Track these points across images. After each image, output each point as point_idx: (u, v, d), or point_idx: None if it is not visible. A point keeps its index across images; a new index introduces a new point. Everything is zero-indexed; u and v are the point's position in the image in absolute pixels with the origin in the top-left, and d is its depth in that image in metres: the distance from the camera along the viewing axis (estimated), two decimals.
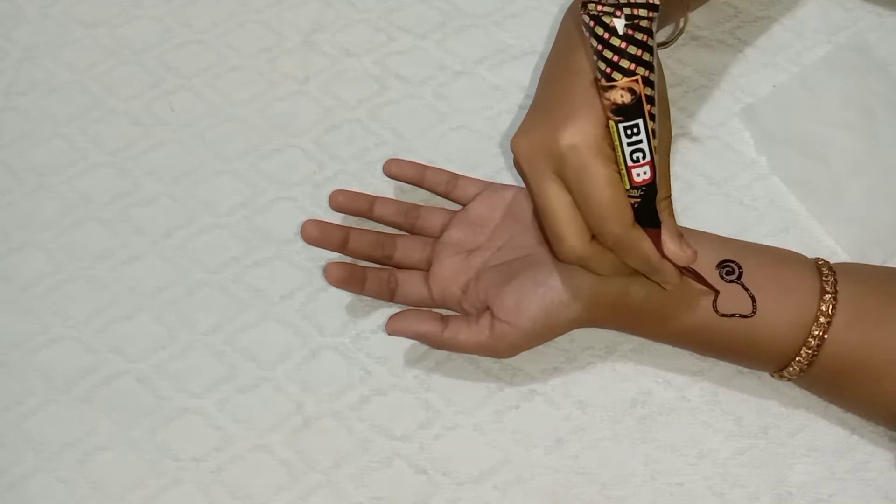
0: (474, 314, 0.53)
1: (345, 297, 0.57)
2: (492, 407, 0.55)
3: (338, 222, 0.58)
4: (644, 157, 0.44)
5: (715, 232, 0.57)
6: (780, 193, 0.59)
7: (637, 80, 0.42)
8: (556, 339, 0.54)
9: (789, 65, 0.63)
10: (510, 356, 0.53)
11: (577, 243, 0.46)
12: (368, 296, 0.55)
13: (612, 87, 0.42)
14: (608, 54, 0.41)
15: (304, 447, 0.54)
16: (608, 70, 0.42)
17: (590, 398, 0.54)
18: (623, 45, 0.41)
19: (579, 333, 0.54)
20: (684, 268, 0.48)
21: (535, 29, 0.66)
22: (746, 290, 0.50)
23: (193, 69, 0.65)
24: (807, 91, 0.61)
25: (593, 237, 0.46)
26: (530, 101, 0.63)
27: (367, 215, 0.57)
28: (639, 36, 0.41)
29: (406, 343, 0.55)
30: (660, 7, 0.41)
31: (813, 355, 0.49)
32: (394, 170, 0.57)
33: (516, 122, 0.62)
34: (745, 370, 0.54)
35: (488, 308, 0.52)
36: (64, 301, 0.58)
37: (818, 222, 0.58)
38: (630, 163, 0.44)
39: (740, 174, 0.60)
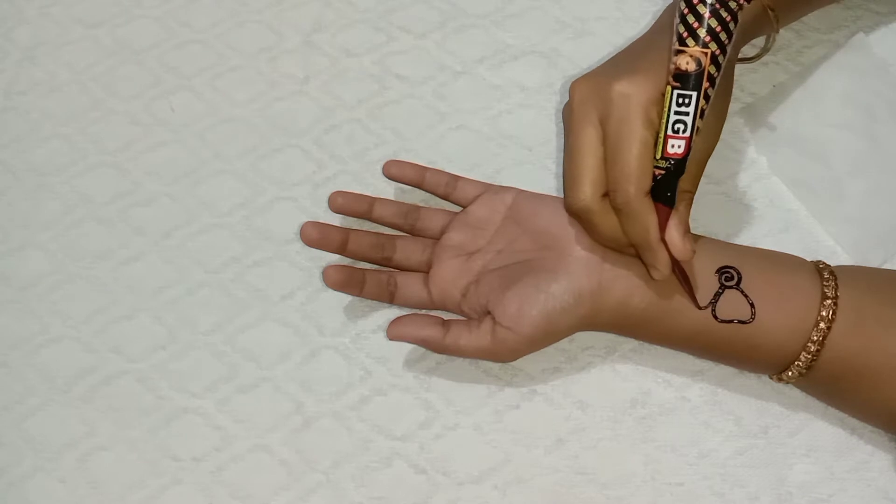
0: (474, 317, 0.53)
1: (345, 297, 0.57)
2: (492, 407, 0.55)
3: (337, 223, 0.58)
4: (684, 131, 0.45)
5: (714, 231, 0.57)
6: (780, 193, 0.59)
7: (706, 54, 0.44)
8: None
9: (789, 64, 0.63)
10: (511, 361, 0.53)
11: (590, 192, 0.48)
12: (368, 298, 0.55)
13: (682, 52, 0.44)
14: (690, 19, 0.44)
15: (304, 447, 0.54)
16: (684, 34, 0.44)
17: (590, 398, 0.54)
18: (707, 14, 0.43)
19: (579, 333, 0.54)
20: (677, 266, 0.48)
21: (535, 29, 0.66)
22: (745, 296, 0.50)
23: (193, 69, 0.65)
24: (807, 91, 0.61)
25: (605, 196, 0.48)
26: (530, 101, 0.63)
27: (367, 216, 0.57)
28: (724, 14, 0.44)
29: (406, 343, 0.55)
30: (750, 3, 0.44)
31: (812, 360, 0.49)
32: (393, 171, 0.57)
33: (516, 122, 0.63)
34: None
35: (489, 312, 0.52)
36: (64, 301, 0.58)
37: (818, 222, 0.58)
38: (670, 132, 0.46)
39: (740, 174, 0.60)
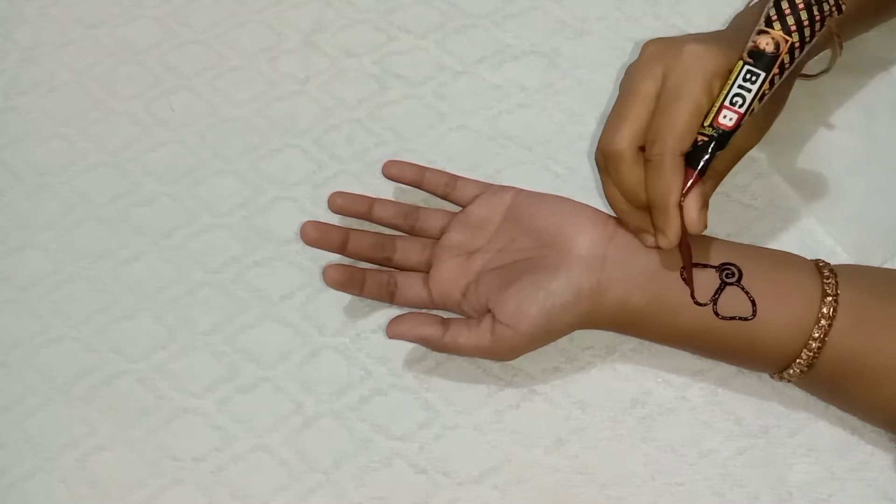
0: (474, 316, 0.53)
1: (345, 297, 0.57)
2: (492, 407, 0.55)
3: (337, 223, 0.58)
4: (740, 106, 0.46)
5: (715, 231, 0.57)
6: (780, 192, 0.59)
7: (787, 41, 0.45)
8: None
9: None
10: (511, 359, 0.53)
11: (628, 137, 0.48)
12: (368, 298, 0.55)
13: (765, 33, 0.46)
14: (784, 5, 0.45)
15: (304, 447, 0.54)
16: (773, 17, 0.45)
17: (590, 398, 0.54)
18: (801, 5, 0.45)
19: (579, 333, 0.54)
20: (683, 246, 0.49)
21: (535, 29, 0.66)
22: (746, 293, 0.50)
23: (193, 69, 0.65)
24: (807, 90, 0.61)
25: (640, 149, 0.48)
26: (530, 101, 0.63)
27: (367, 217, 0.56)
28: (816, 11, 0.45)
29: (406, 343, 0.55)
30: (841, 14, 0.46)
31: (813, 358, 0.49)
32: (393, 171, 0.57)
33: (516, 122, 0.63)
34: (746, 370, 0.54)
35: (489, 311, 0.52)
36: (64, 301, 0.58)
37: (818, 222, 0.58)
38: (727, 102, 0.46)
39: (740, 173, 0.60)
